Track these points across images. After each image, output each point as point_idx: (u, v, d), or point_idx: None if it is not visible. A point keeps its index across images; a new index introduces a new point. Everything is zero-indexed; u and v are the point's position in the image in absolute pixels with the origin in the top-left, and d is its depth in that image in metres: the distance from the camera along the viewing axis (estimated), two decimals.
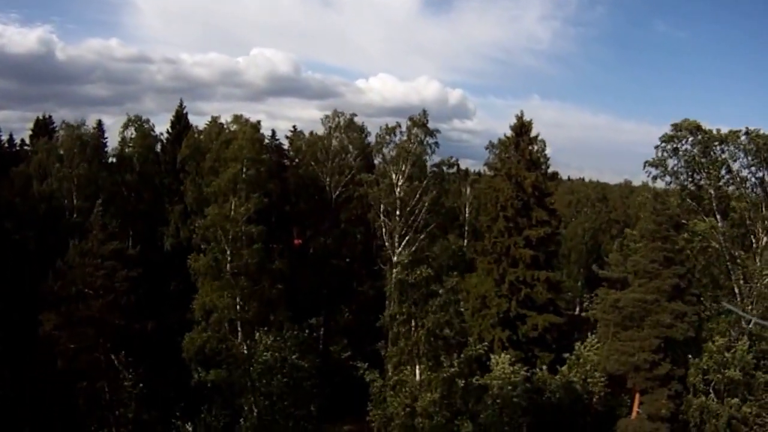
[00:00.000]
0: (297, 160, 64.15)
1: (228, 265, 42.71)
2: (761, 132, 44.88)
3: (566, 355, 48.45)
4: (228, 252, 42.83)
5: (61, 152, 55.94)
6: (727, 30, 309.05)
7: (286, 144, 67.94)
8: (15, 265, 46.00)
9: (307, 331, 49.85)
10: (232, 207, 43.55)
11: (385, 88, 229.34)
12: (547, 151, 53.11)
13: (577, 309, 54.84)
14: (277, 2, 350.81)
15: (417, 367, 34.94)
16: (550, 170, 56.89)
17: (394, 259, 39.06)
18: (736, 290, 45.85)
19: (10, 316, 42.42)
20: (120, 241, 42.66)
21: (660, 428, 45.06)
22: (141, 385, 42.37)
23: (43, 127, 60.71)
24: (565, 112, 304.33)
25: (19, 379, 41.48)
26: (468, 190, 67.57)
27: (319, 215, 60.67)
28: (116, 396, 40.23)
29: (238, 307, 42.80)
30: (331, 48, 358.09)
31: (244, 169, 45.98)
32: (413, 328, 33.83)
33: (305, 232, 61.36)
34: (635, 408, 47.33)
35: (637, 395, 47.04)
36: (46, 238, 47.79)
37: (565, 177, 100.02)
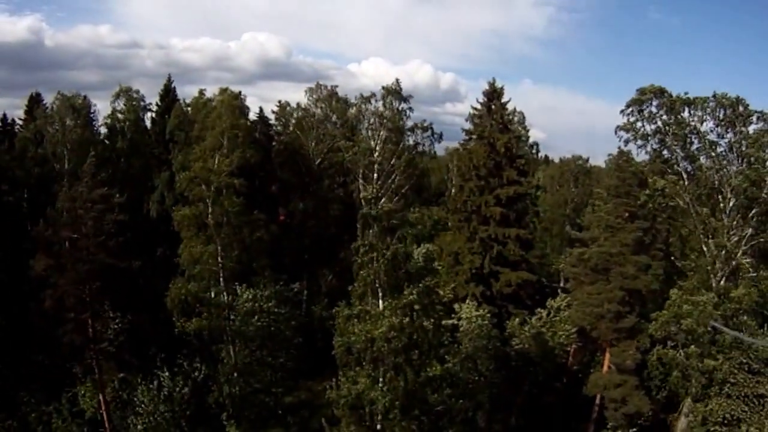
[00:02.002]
0: (282, 132, 66.52)
1: (210, 216, 44.51)
2: (728, 95, 45.81)
3: (538, 310, 49.72)
4: (210, 202, 44.52)
5: (55, 119, 58.19)
6: (721, 16, 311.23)
7: (273, 119, 69.75)
8: (9, 222, 48.13)
9: (282, 284, 52.05)
10: (216, 161, 45.39)
11: (377, 72, 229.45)
12: (534, 134, 54.93)
13: (561, 281, 56.03)
14: None
15: (379, 297, 36.85)
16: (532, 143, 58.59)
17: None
18: (704, 249, 46.76)
19: (3, 268, 44.28)
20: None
21: (628, 380, 46.29)
22: (122, 326, 44.62)
23: (36, 103, 62.64)
24: (558, 96, 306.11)
25: (10, 321, 43.52)
26: (454, 165, 68.71)
27: (303, 182, 62.78)
28: (100, 331, 42.16)
29: (219, 258, 44.46)
30: (322, 32, 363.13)
31: (225, 136, 47.83)
32: (375, 259, 35.66)
33: (288, 200, 63.30)
34: (606, 363, 48.64)
35: (608, 352, 48.38)
36: (39, 200, 49.65)
37: (556, 160, 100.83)
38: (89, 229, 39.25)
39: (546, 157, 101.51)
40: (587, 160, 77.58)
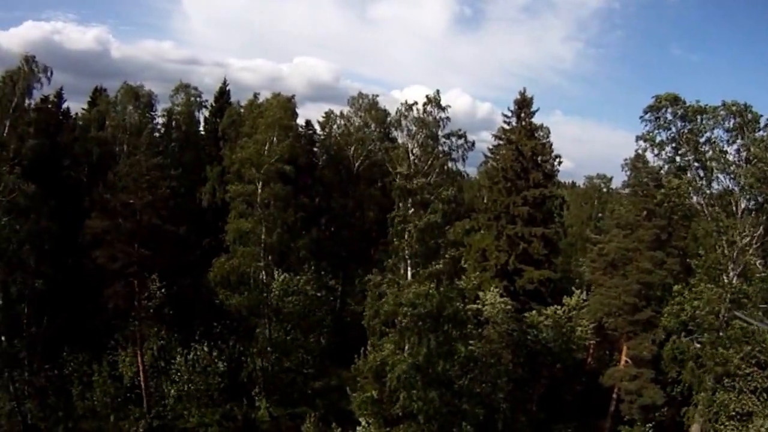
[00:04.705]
0: (326, 138, 71.34)
1: (258, 197, 48.32)
2: (737, 102, 48.10)
3: (555, 306, 52.14)
4: (260, 185, 48.33)
5: (118, 105, 61.97)
6: (736, 55, 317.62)
7: (318, 128, 74.00)
8: (69, 192, 52.20)
9: (323, 272, 55.36)
10: (267, 148, 49.48)
11: (419, 99, 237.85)
12: (567, 161, 57.51)
13: (583, 294, 58.45)
14: (320, 16, 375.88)
15: (409, 268, 40.03)
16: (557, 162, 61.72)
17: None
18: (717, 249, 48.75)
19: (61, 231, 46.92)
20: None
21: (644, 372, 48.41)
22: (165, 292, 48.10)
23: (99, 93, 65.74)
24: (586, 128, 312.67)
25: (64, 278, 46.94)
26: (484, 169, 72.11)
27: (343, 185, 67.27)
28: (145, 295, 45.97)
29: (263, 236, 48.15)
30: (368, 60, 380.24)
31: (276, 131, 51.85)
32: (408, 230, 39.01)
33: (330, 201, 67.41)
34: (622, 357, 50.91)
35: (624, 346, 50.72)
36: (98, 176, 53.38)
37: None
38: (143, 192, 42.80)
39: (573, 182, 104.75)
40: (611, 180, 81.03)
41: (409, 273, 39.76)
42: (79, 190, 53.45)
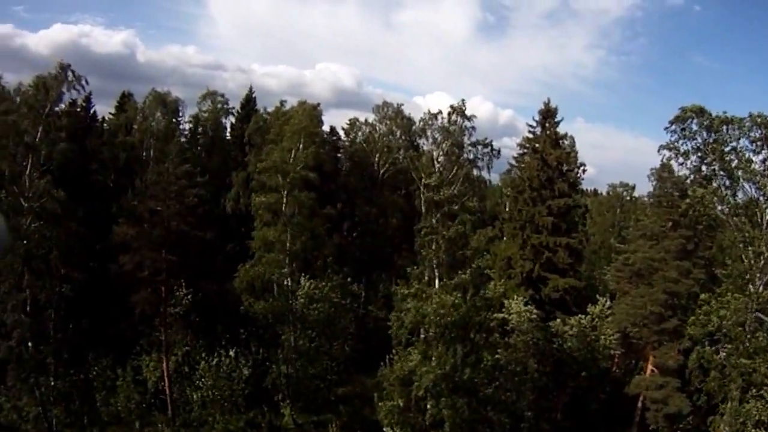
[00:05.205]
0: (351, 145, 71.83)
1: (284, 206, 48.57)
2: (763, 114, 47.89)
3: (579, 315, 51.90)
4: (285, 193, 48.51)
5: (145, 110, 62.68)
6: (760, 64, 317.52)
7: (343, 135, 74.77)
8: (96, 197, 52.79)
9: (348, 279, 55.51)
10: (292, 156, 49.71)
11: (441, 106, 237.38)
12: (588, 167, 58.44)
13: (608, 302, 58.27)
14: (343, 22, 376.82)
15: (436, 278, 40.15)
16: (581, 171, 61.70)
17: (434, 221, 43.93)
18: (744, 259, 48.49)
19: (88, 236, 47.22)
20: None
21: (670, 381, 48.07)
22: (192, 299, 48.10)
23: (127, 98, 66.68)
24: (608, 134, 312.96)
25: (90, 282, 46.84)
26: (509, 178, 72.28)
27: (367, 191, 67.47)
28: (171, 301, 46.06)
29: (288, 244, 48.34)
30: (391, 66, 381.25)
31: (302, 138, 52.19)
32: (435, 241, 39.16)
33: (354, 207, 67.78)
34: (648, 366, 50.64)
35: (650, 355, 50.44)
36: (125, 181, 54.04)
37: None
38: (171, 200, 42.91)
39: (595, 190, 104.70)
40: (633, 188, 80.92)
41: (437, 282, 39.87)
42: (107, 195, 53.92)
